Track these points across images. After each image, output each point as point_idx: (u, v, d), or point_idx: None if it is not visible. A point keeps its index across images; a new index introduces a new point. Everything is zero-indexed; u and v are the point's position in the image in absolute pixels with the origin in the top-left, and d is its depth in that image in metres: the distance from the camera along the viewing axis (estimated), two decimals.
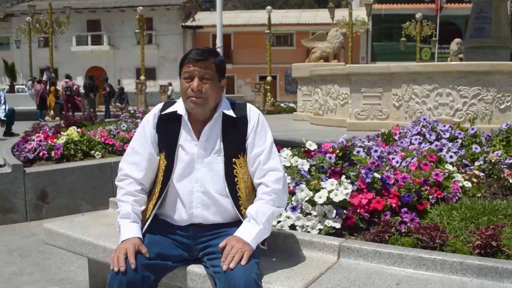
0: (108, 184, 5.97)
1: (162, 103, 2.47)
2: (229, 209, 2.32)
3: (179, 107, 2.36)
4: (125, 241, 2.19)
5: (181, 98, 2.37)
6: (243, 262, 2.02)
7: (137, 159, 2.37)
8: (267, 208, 2.23)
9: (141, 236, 2.24)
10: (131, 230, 2.24)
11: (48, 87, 20.03)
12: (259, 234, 2.17)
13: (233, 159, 2.31)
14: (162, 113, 2.38)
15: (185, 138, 2.34)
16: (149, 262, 2.16)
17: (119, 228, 2.29)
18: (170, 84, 29.91)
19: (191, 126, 2.33)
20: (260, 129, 2.36)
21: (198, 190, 2.31)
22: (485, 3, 9.90)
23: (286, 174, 3.05)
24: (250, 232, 2.16)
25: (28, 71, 29.90)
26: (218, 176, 2.31)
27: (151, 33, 38.84)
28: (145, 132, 2.39)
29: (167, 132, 2.36)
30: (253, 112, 2.38)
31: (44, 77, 20.42)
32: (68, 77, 20.01)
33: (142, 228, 2.32)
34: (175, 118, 2.35)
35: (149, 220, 2.33)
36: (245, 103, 2.44)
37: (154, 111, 2.42)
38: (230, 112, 2.33)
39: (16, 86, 31.40)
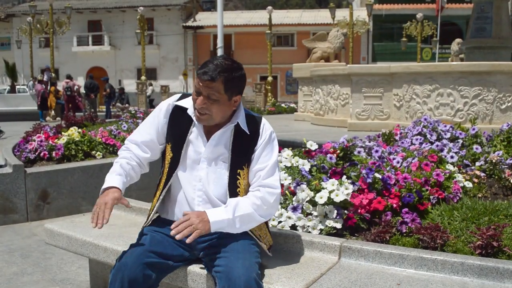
0: None
1: (179, 95, 2.46)
2: None
3: (191, 105, 2.34)
4: (104, 194, 2.20)
5: None
6: (188, 240, 2.08)
7: (140, 139, 2.42)
8: (248, 208, 2.21)
9: (121, 188, 2.24)
10: (112, 180, 2.26)
11: (48, 87, 20.05)
12: (224, 223, 2.16)
13: (238, 170, 2.32)
14: (176, 103, 2.38)
15: (196, 136, 2.34)
16: (150, 260, 2.17)
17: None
18: (151, 84, 29.94)
19: (202, 126, 2.34)
20: (269, 146, 2.36)
21: (200, 189, 2.32)
22: (486, 3, 9.89)
23: (286, 177, 3.06)
24: (218, 215, 2.16)
25: (29, 72, 29.96)
26: (220, 181, 2.32)
27: (152, 33, 38.89)
28: (154, 118, 2.42)
29: (178, 125, 2.37)
30: (265, 128, 2.37)
31: (45, 78, 20.45)
32: (69, 77, 20.04)
33: (146, 221, 2.40)
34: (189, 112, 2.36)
35: (155, 208, 2.37)
36: (260, 117, 2.42)
37: (170, 101, 2.42)
38: (245, 127, 2.33)
39: (17, 87, 31.47)
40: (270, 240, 2.40)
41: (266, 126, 2.39)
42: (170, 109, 2.40)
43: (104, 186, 2.24)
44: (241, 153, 2.33)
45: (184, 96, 2.43)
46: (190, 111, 2.33)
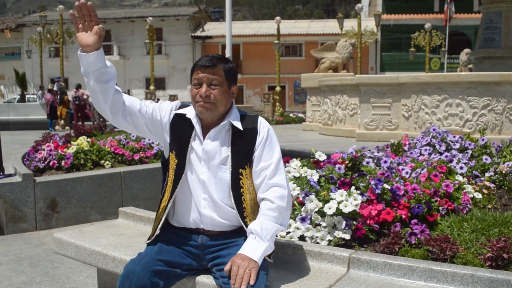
0: (117, 193, 5.99)
1: (180, 103, 2.49)
2: (234, 216, 2.32)
3: (189, 111, 2.38)
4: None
5: None
6: (251, 282, 2.01)
7: (137, 102, 2.36)
8: (271, 225, 2.21)
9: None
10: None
11: (58, 97, 20.15)
12: (265, 251, 2.15)
13: (240, 170, 2.31)
14: (175, 112, 2.40)
15: (196, 140, 2.36)
16: (158, 268, 2.17)
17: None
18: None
19: (201, 130, 2.35)
20: (269, 143, 2.35)
21: (205, 192, 2.33)
22: (494, 13, 9.89)
23: (294, 187, 3.06)
24: (257, 249, 2.13)
25: (39, 81, 30.20)
26: (223, 185, 2.32)
27: (160, 43, 39.13)
28: (160, 110, 2.39)
29: (180, 132, 2.38)
30: (263, 125, 2.38)
31: (55, 88, 20.58)
32: (78, 86, 20.17)
33: (154, 233, 2.35)
34: (189, 119, 2.37)
35: (162, 219, 2.34)
36: (256, 116, 2.43)
37: (173, 106, 2.43)
38: (238, 124, 2.33)
39: (27, 96, 31.74)
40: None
41: (264, 123, 2.39)
42: (172, 116, 2.40)
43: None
44: (241, 152, 2.32)
45: (183, 106, 2.45)
46: (191, 114, 2.35)
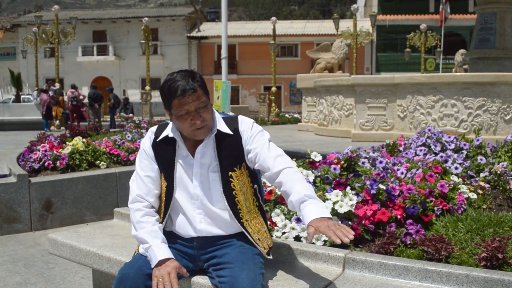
0: (113, 194, 5.98)
1: (156, 126, 2.46)
2: (231, 223, 2.32)
3: (170, 130, 2.35)
4: (163, 264, 2.14)
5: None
6: (351, 236, 1.99)
7: (144, 184, 2.37)
8: (309, 185, 2.23)
9: (174, 257, 2.21)
10: (166, 251, 2.20)
11: (55, 100, 20.06)
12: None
13: (230, 173, 2.30)
14: (157, 140, 2.37)
15: (182, 158, 2.34)
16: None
17: (147, 248, 2.22)
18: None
19: (186, 145, 2.33)
20: (256, 134, 2.34)
21: (199, 207, 2.31)
22: (489, 14, 9.92)
23: None
24: (323, 208, 2.13)
25: (34, 81, 30.12)
26: (217, 192, 2.31)
27: (156, 44, 39.06)
28: (146, 154, 2.39)
29: (164, 154, 2.36)
30: (245, 123, 2.36)
31: (50, 92, 20.48)
32: (73, 87, 20.10)
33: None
34: (170, 139, 2.35)
35: None
36: (236, 116, 2.42)
37: (149, 135, 2.42)
38: (226, 129, 2.31)
39: (22, 96, 31.66)
40: (270, 243, 2.39)
41: (245, 121, 2.37)
42: (152, 141, 2.38)
43: (159, 258, 2.16)
44: (228, 155, 2.31)
45: (161, 127, 2.42)
46: (174, 135, 2.32)
